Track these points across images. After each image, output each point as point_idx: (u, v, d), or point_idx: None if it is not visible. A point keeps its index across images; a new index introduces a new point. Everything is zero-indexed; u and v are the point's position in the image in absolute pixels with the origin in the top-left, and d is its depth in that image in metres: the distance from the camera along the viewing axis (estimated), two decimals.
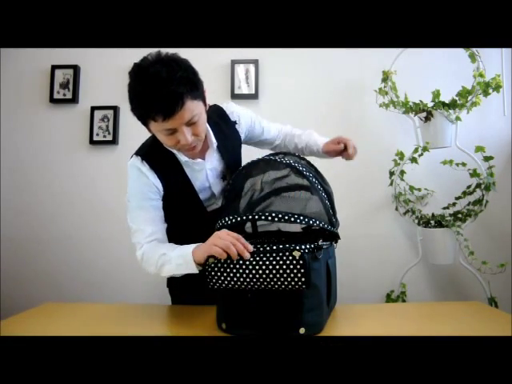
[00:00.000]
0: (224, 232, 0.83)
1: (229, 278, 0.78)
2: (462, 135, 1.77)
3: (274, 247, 0.77)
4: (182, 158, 0.99)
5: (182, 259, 0.88)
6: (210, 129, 1.01)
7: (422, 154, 1.73)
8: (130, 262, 1.92)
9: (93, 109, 2.02)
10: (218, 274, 0.79)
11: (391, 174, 1.85)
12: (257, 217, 0.81)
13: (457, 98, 1.68)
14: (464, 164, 1.70)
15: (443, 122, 1.71)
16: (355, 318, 0.92)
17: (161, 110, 0.83)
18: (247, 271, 0.76)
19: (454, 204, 1.77)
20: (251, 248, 0.79)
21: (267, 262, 0.75)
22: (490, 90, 1.64)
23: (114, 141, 2.01)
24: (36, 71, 2.08)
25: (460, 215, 1.73)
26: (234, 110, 1.13)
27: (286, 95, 2.01)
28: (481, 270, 1.69)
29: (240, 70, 2.02)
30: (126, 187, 1.01)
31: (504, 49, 1.89)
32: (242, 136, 1.14)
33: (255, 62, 2.01)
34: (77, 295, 1.96)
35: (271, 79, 2.03)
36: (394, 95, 1.81)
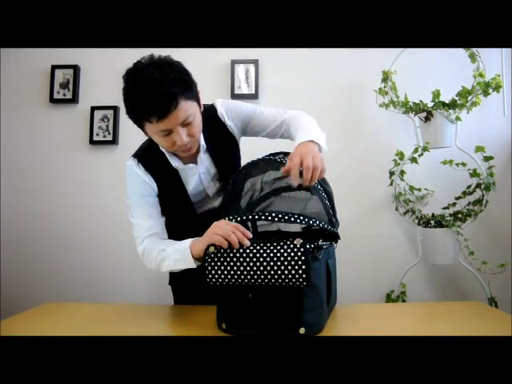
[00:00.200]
0: (223, 222, 0.85)
1: (229, 268, 0.77)
2: (462, 135, 1.78)
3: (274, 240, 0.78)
4: (175, 163, 1.01)
5: (180, 254, 0.91)
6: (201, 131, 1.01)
7: (421, 154, 1.73)
8: (130, 262, 1.92)
9: (93, 109, 2.02)
10: (218, 264, 0.78)
11: (391, 174, 1.85)
12: (257, 217, 0.81)
13: (457, 98, 1.69)
14: (464, 164, 1.70)
15: (443, 122, 1.71)
16: (355, 317, 0.92)
17: (155, 110, 0.84)
18: (247, 259, 0.76)
19: (454, 204, 1.78)
20: (250, 235, 0.81)
21: (268, 251, 0.75)
22: (490, 90, 1.64)
23: (114, 141, 2.01)
24: (36, 71, 2.08)
25: (460, 215, 1.73)
26: (226, 109, 1.07)
27: (286, 95, 2.01)
28: (481, 270, 1.69)
29: (240, 70, 2.02)
30: (126, 186, 1.05)
31: (504, 49, 1.89)
32: (237, 135, 1.09)
33: (255, 62, 2.01)
34: (77, 295, 1.96)
35: (271, 79, 2.03)
36: (394, 95, 1.81)
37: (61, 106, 2.06)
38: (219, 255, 0.79)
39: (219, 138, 1.05)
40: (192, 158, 1.03)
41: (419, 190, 1.85)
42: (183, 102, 0.86)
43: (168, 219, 1.07)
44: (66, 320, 0.97)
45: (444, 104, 1.69)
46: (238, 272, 0.77)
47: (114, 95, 1.98)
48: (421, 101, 1.75)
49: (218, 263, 0.79)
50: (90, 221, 2.01)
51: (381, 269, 1.92)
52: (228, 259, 0.78)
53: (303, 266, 0.73)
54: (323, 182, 0.95)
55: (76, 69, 2.05)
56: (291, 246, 0.75)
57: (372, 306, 1.14)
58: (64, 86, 2.05)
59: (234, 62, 2.01)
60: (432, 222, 1.77)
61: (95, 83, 2.03)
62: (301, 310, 0.77)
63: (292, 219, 0.80)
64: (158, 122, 0.86)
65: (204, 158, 1.04)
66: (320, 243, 0.81)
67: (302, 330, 0.76)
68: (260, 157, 0.96)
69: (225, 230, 0.80)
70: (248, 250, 0.77)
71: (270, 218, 0.80)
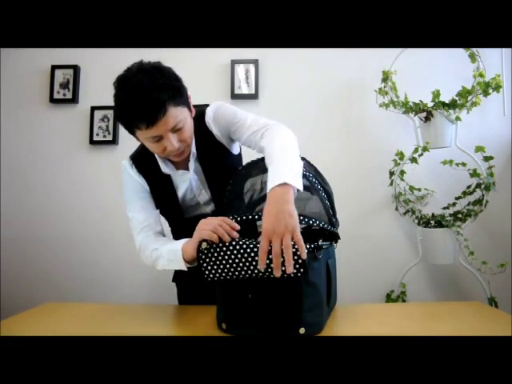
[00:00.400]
0: (209, 218, 0.86)
1: (224, 262, 0.77)
2: (462, 135, 1.78)
3: None
4: (165, 169, 1.02)
5: (173, 255, 0.92)
6: (193, 136, 1.01)
7: (421, 154, 1.73)
8: (130, 262, 1.92)
9: (93, 109, 2.02)
10: (213, 259, 0.78)
11: (391, 174, 1.85)
12: (257, 217, 0.81)
13: (457, 98, 1.69)
14: (464, 164, 1.70)
15: (443, 122, 1.71)
16: (355, 317, 0.92)
17: (143, 117, 0.85)
18: (241, 251, 0.76)
19: (454, 204, 1.78)
20: (238, 227, 0.81)
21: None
22: (490, 90, 1.64)
23: (114, 141, 2.01)
24: (36, 71, 2.08)
25: (460, 215, 1.73)
26: (214, 116, 1.02)
27: (286, 95, 2.01)
28: (481, 270, 1.69)
29: (240, 70, 2.02)
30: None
31: (504, 49, 1.89)
32: (224, 142, 1.05)
33: (255, 62, 2.01)
34: (77, 295, 1.97)
35: (271, 79, 2.03)
36: (394, 95, 1.81)
37: (61, 106, 2.06)
38: (212, 250, 0.79)
39: (208, 145, 1.04)
40: (184, 163, 1.03)
41: (419, 189, 1.85)
42: (172, 108, 0.87)
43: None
44: (66, 320, 0.97)
45: (444, 104, 1.69)
46: (234, 264, 0.77)
47: None
48: (421, 101, 1.75)
49: (213, 258, 0.79)
50: (89, 220, 2.01)
51: (381, 269, 1.92)
52: (222, 253, 0.78)
53: (302, 257, 0.73)
54: (323, 182, 0.95)
55: (76, 69, 2.05)
56: None
57: (372, 306, 1.14)
58: (64, 85, 2.05)
59: (233, 62, 2.01)
60: (432, 222, 1.77)
61: (95, 83, 2.04)
62: (301, 310, 0.77)
63: None
64: (148, 129, 0.87)
65: (194, 166, 1.03)
66: (320, 243, 0.81)
67: (301, 330, 0.76)
68: (260, 157, 0.96)
69: (212, 225, 0.81)
70: (241, 242, 0.77)
71: None
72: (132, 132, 0.92)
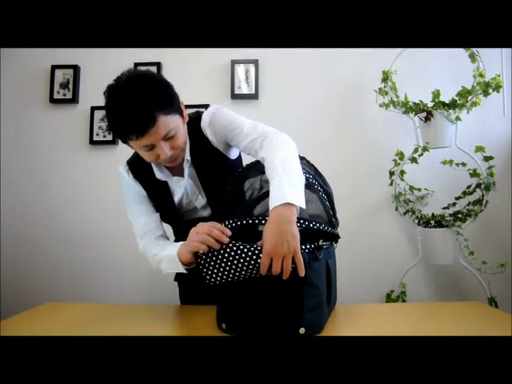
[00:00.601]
0: (199, 225, 0.84)
1: (223, 265, 0.77)
2: (462, 135, 1.78)
3: None
4: (159, 175, 1.02)
5: (172, 261, 0.92)
6: (188, 142, 1.00)
7: (421, 154, 1.73)
8: (130, 262, 1.93)
9: (93, 109, 2.02)
10: (212, 264, 0.78)
11: (391, 174, 1.85)
12: (257, 221, 0.80)
13: (457, 98, 1.69)
14: (464, 164, 1.70)
15: (443, 122, 1.71)
16: (355, 317, 0.92)
17: (133, 129, 0.85)
18: (241, 254, 0.76)
19: (454, 204, 1.78)
20: (229, 232, 0.79)
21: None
22: (490, 90, 1.65)
23: (114, 141, 2.01)
24: (36, 71, 2.08)
25: (460, 215, 1.73)
26: (210, 121, 1.00)
27: (286, 95, 2.01)
28: (481, 270, 1.69)
29: (240, 70, 2.02)
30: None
31: (504, 49, 1.89)
32: (221, 148, 1.02)
33: (255, 62, 2.01)
34: (77, 295, 1.97)
35: (271, 79, 2.03)
36: (394, 95, 1.81)
37: (61, 106, 2.06)
38: (210, 255, 0.79)
39: (203, 151, 1.01)
40: (179, 169, 1.03)
41: (419, 189, 1.85)
42: (163, 117, 0.86)
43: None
44: (66, 320, 0.97)
45: (444, 104, 1.69)
46: (232, 269, 0.77)
47: None
48: (421, 101, 1.75)
49: (212, 263, 0.78)
50: (89, 220, 2.01)
51: (381, 269, 1.92)
52: (220, 256, 0.78)
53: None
54: (323, 183, 0.95)
55: (76, 69, 2.05)
56: None
57: (372, 306, 1.14)
58: (64, 86, 2.05)
59: (234, 62, 2.01)
60: (432, 221, 1.77)
61: (95, 83, 2.03)
62: (301, 310, 0.77)
63: None
64: (138, 139, 0.86)
65: (190, 171, 1.03)
66: (320, 243, 0.81)
67: (302, 330, 0.76)
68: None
69: (200, 236, 0.79)
70: (241, 248, 0.77)
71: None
72: (124, 141, 0.91)
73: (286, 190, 0.76)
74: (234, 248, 0.77)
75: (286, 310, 0.77)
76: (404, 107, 1.78)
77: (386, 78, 1.81)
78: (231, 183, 0.98)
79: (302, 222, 0.79)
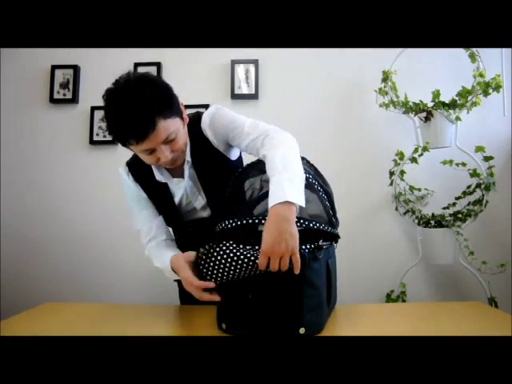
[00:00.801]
0: (187, 284, 0.88)
1: (224, 262, 0.78)
2: (462, 135, 1.78)
3: None
4: (159, 177, 1.02)
5: (168, 272, 0.98)
6: (188, 143, 1.00)
7: (421, 154, 1.73)
8: (130, 262, 1.92)
9: (93, 109, 2.02)
10: (211, 264, 0.79)
11: (391, 174, 1.85)
12: (257, 221, 0.80)
13: (457, 98, 1.69)
14: (464, 164, 1.70)
15: (443, 122, 1.71)
16: (355, 317, 0.92)
17: (133, 134, 0.84)
18: (242, 251, 0.77)
19: (454, 204, 1.77)
20: (212, 284, 0.83)
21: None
22: (490, 90, 1.64)
23: (114, 141, 2.00)
24: (36, 71, 2.08)
25: (460, 215, 1.73)
26: (210, 121, 1.00)
27: (286, 95, 2.01)
28: (481, 270, 1.69)
29: (240, 70, 2.02)
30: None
31: (504, 49, 1.89)
32: (221, 149, 1.02)
33: (255, 62, 2.01)
34: (77, 295, 1.96)
35: (271, 79, 2.03)
36: (394, 95, 1.81)
37: (61, 106, 2.06)
38: (209, 255, 0.79)
39: (203, 152, 1.01)
40: (180, 170, 1.02)
41: (419, 190, 1.85)
42: (162, 121, 0.85)
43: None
44: (66, 320, 0.97)
45: (444, 104, 1.69)
46: (233, 268, 0.77)
47: None
48: (421, 101, 1.75)
49: (211, 263, 0.79)
50: (89, 220, 2.01)
51: (381, 269, 1.92)
52: (219, 257, 0.78)
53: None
54: (323, 183, 0.95)
55: (76, 69, 2.05)
56: None
57: (372, 306, 1.14)
58: (64, 86, 2.05)
59: (234, 62, 2.01)
60: (432, 221, 1.77)
61: (95, 83, 2.03)
62: (301, 310, 0.77)
63: None
64: (139, 144, 0.86)
65: (190, 172, 1.02)
66: (320, 243, 0.81)
67: (302, 330, 0.76)
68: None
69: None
70: (238, 247, 0.77)
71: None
72: (124, 145, 0.91)
73: (286, 188, 0.75)
74: (234, 250, 0.77)
75: (286, 310, 0.77)
76: (404, 107, 1.78)
77: (386, 78, 1.81)
78: (231, 183, 0.98)
79: (302, 221, 0.79)
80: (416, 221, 1.82)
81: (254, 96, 2.00)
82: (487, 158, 1.66)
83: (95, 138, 2.02)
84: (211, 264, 0.79)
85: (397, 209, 1.86)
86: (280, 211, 0.73)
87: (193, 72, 2.03)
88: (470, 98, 1.67)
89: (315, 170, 0.98)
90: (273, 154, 0.84)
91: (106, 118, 0.88)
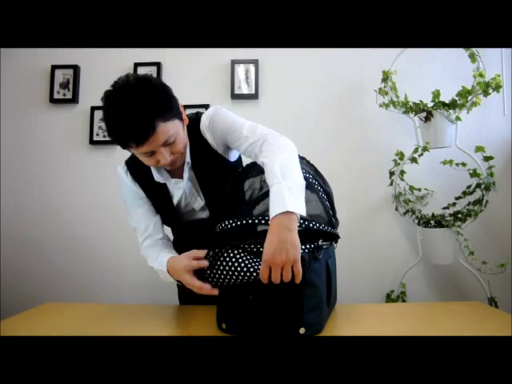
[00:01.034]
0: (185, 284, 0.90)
1: (227, 268, 0.78)
2: (462, 135, 1.78)
3: None
4: (158, 178, 1.01)
5: (163, 274, 0.98)
6: (188, 144, 1.00)
7: (421, 154, 1.73)
8: (130, 262, 1.92)
9: (93, 109, 2.02)
10: (216, 267, 0.80)
11: (391, 174, 1.85)
12: (256, 221, 0.80)
13: (457, 98, 1.69)
14: (464, 164, 1.70)
15: (443, 122, 1.71)
16: (355, 317, 0.92)
17: (132, 137, 0.84)
18: (247, 255, 0.77)
19: (454, 204, 1.77)
20: (216, 291, 0.85)
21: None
22: (490, 90, 1.64)
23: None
24: (36, 71, 2.08)
25: (460, 215, 1.73)
26: (209, 123, 0.99)
27: (286, 95, 2.01)
28: (481, 270, 1.69)
29: (240, 70, 2.02)
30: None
31: (504, 49, 1.89)
32: (220, 151, 1.02)
33: (255, 62, 2.01)
34: (77, 295, 1.96)
35: (271, 79, 2.03)
36: (394, 95, 1.81)
37: (61, 106, 2.06)
38: (216, 258, 0.80)
39: (202, 153, 1.01)
40: (179, 171, 1.02)
41: (419, 189, 1.85)
42: (162, 124, 0.84)
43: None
44: (66, 320, 0.97)
45: (444, 104, 1.69)
46: (237, 273, 0.77)
47: None
48: (421, 101, 1.75)
49: (216, 267, 0.80)
50: (89, 220, 2.01)
51: (381, 269, 1.92)
52: (224, 263, 0.79)
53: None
54: (323, 183, 0.95)
55: (76, 69, 2.05)
56: None
57: (372, 306, 1.14)
58: (64, 86, 2.05)
59: (234, 62, 2.01)
60: (432, 221, 1.77)
61: (95, 83, 2.04)
62: (301, 310, 0.77)
63: None
64: (138, 147, 0.86)
65: (189, 174, 1.02)
66: (320, 243, 0.81)
67: (302, 330, 0.76)
68: None
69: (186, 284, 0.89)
70: (242, 255, 0.78)
71: (269, 222, 0.80)
72: (124, 147, 0.90)
73: (286, 198, 0.75)
74: (240, 260, 0.78)
75: (286, 310, 0.77)
76: (404, 107, 1.78)
77: (385, 78, 1.81)
78: (231, 183, 0.98)
79: (301, 221, 0.79)
80: (416, 221, 1.82)
81: (253, 96, 2.00)
82: (487, 158, 1.66)
83: (95, 138, 2.02)
84: (215, 267, 0.80)
85: (397, 209, 1.86)
86: (281, 221, 0.74)
87: (193, 72, 2.03)
88: (470, 98, 1.67)
89: (315, 169, 0.98)
90: (272, 163, 0.83)
91: (105, 121, 0.87)
